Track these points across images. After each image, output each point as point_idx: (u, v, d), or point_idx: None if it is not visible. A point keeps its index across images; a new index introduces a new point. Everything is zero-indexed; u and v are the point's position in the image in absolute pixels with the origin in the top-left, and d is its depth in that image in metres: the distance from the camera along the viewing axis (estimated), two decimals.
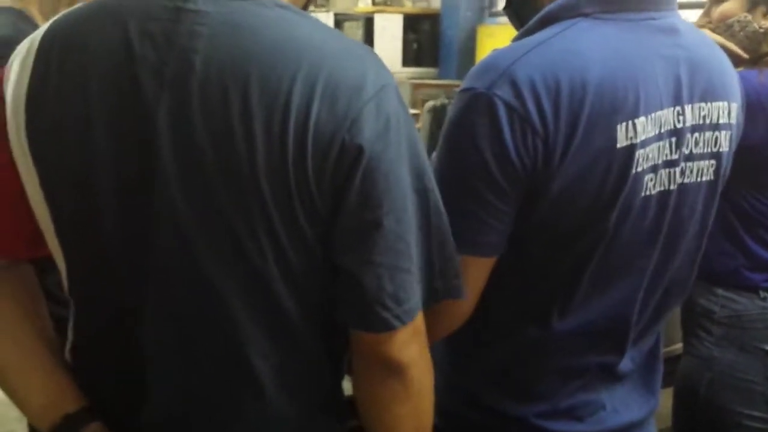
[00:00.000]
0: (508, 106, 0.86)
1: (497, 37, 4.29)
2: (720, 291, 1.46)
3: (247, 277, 0.78)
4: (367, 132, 0.74)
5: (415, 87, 4.68)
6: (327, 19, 5.50)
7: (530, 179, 0.89)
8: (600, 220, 0.91)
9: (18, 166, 0.82)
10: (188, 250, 0.78)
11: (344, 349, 0.88)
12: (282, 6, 0.79)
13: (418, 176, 0.79)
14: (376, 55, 0.81)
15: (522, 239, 0.94)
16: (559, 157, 0.87)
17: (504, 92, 0.86)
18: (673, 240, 1.00)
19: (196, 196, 0.77)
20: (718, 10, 1.43)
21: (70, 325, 0.89)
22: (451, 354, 1.08)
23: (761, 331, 1.43)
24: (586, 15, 0.91)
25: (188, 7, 0.76)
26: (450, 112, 0.92)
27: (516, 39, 0.96)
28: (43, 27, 0.83)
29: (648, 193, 0.93)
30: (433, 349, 1.07)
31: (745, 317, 1.44)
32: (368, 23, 5.09)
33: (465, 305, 0.93)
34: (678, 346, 1.63)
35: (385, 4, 5.36)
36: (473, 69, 0.92)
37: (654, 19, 0.93)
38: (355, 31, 5.29)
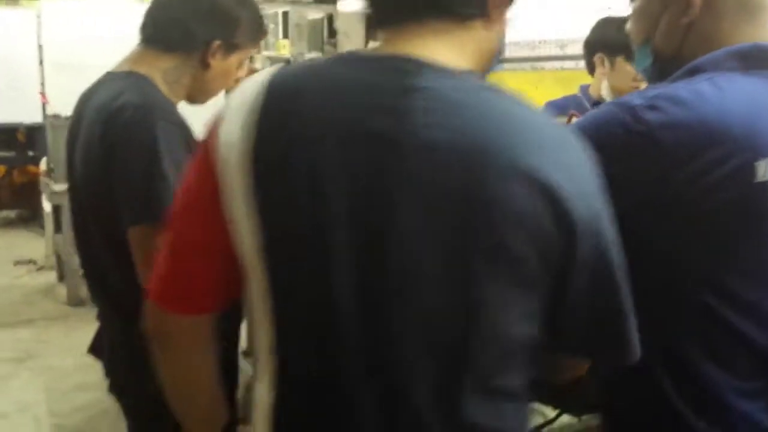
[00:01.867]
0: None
1: (506, 82, 4.38)
2: None
3: (472, 345, 0.80)
4: (596, 203, 0.82)
5: None
6: None
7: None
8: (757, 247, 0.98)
9: (233, 226, 0.83)
10: (422, 308, 0.79)
11: None
12: (487, 88, 0.85)
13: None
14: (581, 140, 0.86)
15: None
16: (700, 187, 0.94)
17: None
18: None
19: (435, 255, 0.78)
20: None
21: (268, 382, 0.87)
22: None
23: None
24: (728, 70, 1.00)
25: (416, 85, 0.80)
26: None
27: (662, 85, 1.03)
28: (255, 86, 0.84)
29: None
30: None
31: None
32: None
33: None
34: None
35: None
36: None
37: None
38: None
